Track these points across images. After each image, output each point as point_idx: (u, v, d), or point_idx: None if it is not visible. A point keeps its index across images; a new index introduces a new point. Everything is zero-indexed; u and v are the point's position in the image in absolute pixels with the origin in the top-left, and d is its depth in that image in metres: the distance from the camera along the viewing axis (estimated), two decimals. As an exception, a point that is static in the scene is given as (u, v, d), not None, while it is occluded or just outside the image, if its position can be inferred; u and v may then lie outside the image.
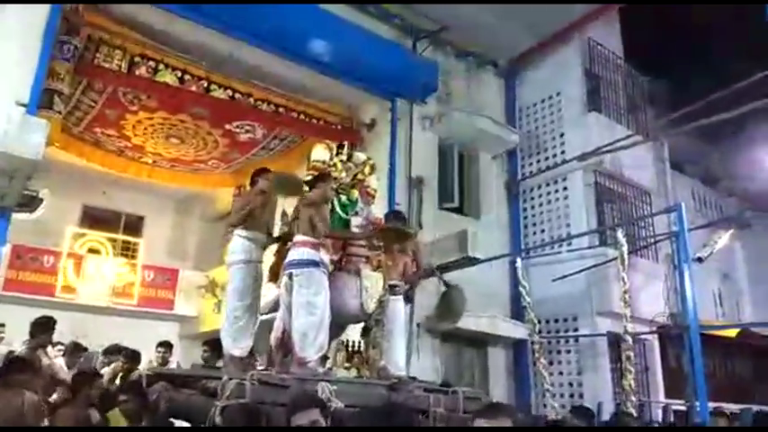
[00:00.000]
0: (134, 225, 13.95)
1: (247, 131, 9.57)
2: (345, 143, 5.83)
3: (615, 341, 8.05)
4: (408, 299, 5.63)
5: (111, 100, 8.44)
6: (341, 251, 5.26)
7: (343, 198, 5.37)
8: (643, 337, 9.09)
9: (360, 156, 5.79)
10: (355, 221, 5.36)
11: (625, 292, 7.14)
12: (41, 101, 6.01)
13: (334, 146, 5.66)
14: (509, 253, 9.33)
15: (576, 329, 9.07)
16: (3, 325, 7.05)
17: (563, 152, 9.91)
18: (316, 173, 5.26)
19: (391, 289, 5.13)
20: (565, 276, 8.70)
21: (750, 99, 7.47)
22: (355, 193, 5.47)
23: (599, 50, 10.58)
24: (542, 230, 9.94)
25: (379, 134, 9.04)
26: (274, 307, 5.12)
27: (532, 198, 10.24)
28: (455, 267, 7.69)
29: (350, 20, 8.53)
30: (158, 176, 11.19)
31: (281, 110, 8.80)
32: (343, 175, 5.43)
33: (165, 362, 6.34)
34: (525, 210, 10.30)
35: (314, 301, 4.48)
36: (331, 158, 5.43)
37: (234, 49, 7.66)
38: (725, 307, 12.31)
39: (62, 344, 7.18)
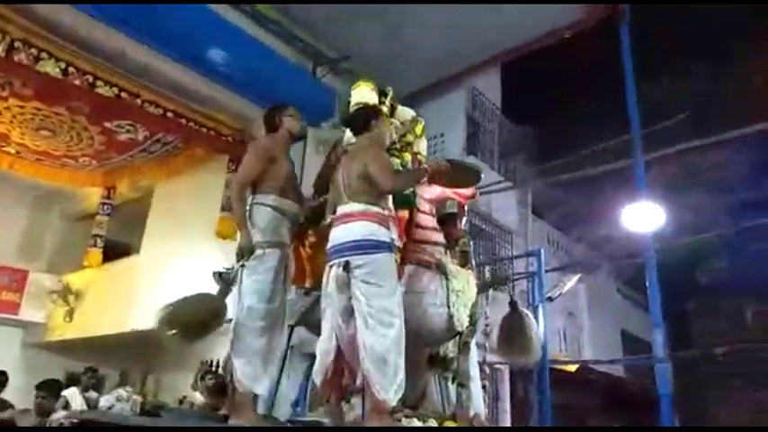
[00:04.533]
0: (-18, 218, 12.50)
1: (128, 131, 9.13)
2: (389, 91, 4.26)
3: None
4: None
5: (-23, 82, 7.67)
6: (402, 235, 3.49)
7: (396, 162, 3.90)
8: (497, 366, 9.81)
9: (406, 111, 4.34)
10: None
11: (487, 326, 7.79)
12: None
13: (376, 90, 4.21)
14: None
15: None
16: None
17: (443, 189, 10.51)
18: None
19: None
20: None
21: (605, 158, 8.56)
22: (408, 157, 4.11)
23: (481, 99, 11.45)
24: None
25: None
26: (302, 318, 3.70)
27: (411, 230, 10.70)
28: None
29: (251, 33, 8.45)
30: (21, 168, 10.21)
31: (169, 114, 8.50)
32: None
33: None
34: (405, 240, 10.72)
35: (389, 305, 2.94)
36: (378, 104, 4.04)
37: (127, 46, 7.31)
38: (568, 343, 13.63)
39: None
